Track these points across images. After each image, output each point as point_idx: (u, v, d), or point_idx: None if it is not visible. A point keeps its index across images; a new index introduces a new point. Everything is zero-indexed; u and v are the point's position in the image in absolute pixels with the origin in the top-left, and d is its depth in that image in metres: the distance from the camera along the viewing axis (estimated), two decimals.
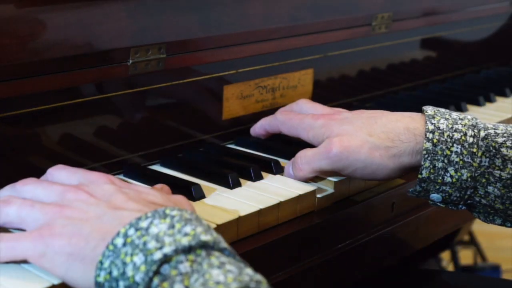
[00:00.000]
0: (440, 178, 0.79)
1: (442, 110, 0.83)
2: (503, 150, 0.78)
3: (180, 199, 0.69)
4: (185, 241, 0.57)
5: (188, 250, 0.57)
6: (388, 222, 0.93)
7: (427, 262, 1.70)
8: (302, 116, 0.90)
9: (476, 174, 0.78)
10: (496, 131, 0.80)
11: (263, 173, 0.88)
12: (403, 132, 0.81)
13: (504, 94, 1.33)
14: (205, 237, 0.58)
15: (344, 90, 1.18)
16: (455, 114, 0.82)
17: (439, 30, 1.33)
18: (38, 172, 0.80)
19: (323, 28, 1.07)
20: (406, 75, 1.31)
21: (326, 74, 1.13)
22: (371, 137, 0.81)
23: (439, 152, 0.78)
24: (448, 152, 0.78)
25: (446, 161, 0.78)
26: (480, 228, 2.21)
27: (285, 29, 1.01)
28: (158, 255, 0.57)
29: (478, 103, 1.25)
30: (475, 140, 0.78)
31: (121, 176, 0.87)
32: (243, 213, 0.77)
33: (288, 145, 0.95)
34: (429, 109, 0.82)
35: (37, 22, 0.76)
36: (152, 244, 0.57)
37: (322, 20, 1.06)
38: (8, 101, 0.75)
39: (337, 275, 0.87)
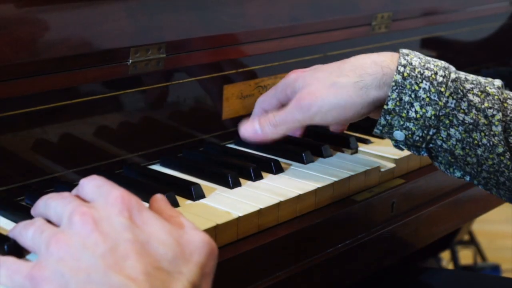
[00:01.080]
0: (405, 112, 0.80)
1: (418, 52, 0.84)
2: (470, 95, 0.79)
3: (193, 245, 0.60)
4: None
5: None
6: (388, 222, 0.93)
7: (427, 261, 1.70)
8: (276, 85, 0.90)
9: (440, 114, 0.79)
10: (467, 77, 0.81)
11: (263, 173, 0.88)
12: (370, 66, 0.82)
13: None
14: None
15: None
16: (429, 58, 0.83)
17: (439, 30, 1.33)
18: (38, 172, 0.81)
19: (323, 28, 1.07)
20: None
21: None
22: (339, 78, 0.83)
23: (408, 86, 0.79)
24: (416, 88, 0.79)
25: (413, 95, 0.79)
26: (480, 227, 2.22)
27: (285, 29, 1.01)
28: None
29: None
30: (445, 80, 0.80)
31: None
32: (243, 213, 0.77)
33: (288, 145, 0.95)
34: (405, 50, 0.83)
35: (37, 22, 0.76)
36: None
37: (322, 20, 1.06)
38: (7, 101, 0.75)
39: (337, 274, 0.87)
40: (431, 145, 0.81)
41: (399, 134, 0.81)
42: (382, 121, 0.81)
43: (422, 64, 0.81)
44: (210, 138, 0.98)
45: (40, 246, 0.60)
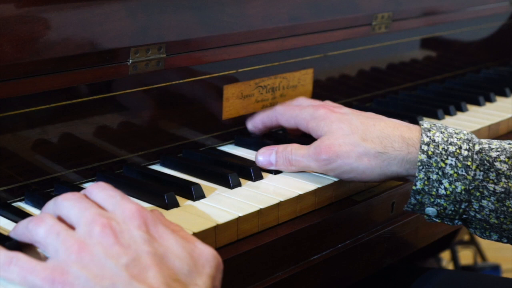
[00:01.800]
0: (434, 190, 0.79)
1: (438, 124, 0.84)
2: (497, 164, 0.79)
3: (205, 258, 0.62)
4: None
5: None
6: (388, 222, 0.93)
7: (427, 261, 1.70)
8: (302, 107, 0.92)
9: (470, 187, 0.79)
10: (490, 145, 0.81)
11: (263, 173, 0.88)
12: (397, 140, 0.82)
13: (504, 94, 1.33)
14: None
15: (344, 90, 1.18)
16: (450, 129, 0.83)
17: (439, 30, 1.33)
18: (38, 172, 0.81)
19: (323, 28, 1.07)
20: (406, 75, 1.31)
21: (326, 74, 1.13)
22: (364, 142, 0.83)
23: (434, 164, 0.79)
24: (443, 165, 0.79)
25: (440, 173, 0.79)
26: None
27: (285, 29, 1.01)
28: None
29: (478, 103, 1.25)
30: (470, 154, 0.79)
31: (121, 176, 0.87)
32: (243, 213, 0.77)
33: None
34: (425, 123, 0.83)
35: (37, 22, 0.76)
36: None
37: (322, 20, 1.06)
38: (8, 101, 0.76)
39: (337, 274, 0.87)
40: (464, 216, 0.81)
41: (431, 211, 0.82)
42: (413, 201, 0.82)
43: (445, 139, 0.80)
44: (210, 138, 0.98)
45: (58, 248, 0.60)
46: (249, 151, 0.97)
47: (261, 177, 0.87)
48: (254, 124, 0.98)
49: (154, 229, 0.62)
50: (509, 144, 0.82)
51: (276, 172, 0.89)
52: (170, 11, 0.88)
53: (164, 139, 0.92)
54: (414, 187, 0.80)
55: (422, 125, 0.83)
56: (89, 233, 0.61)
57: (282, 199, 0.80)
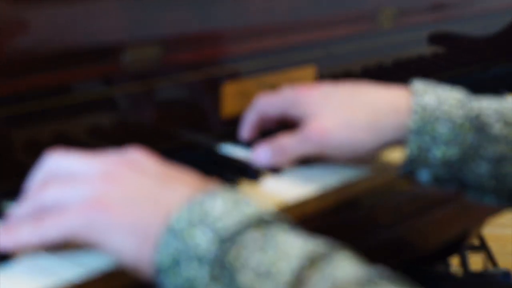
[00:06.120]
0: (428, 155, 0.81)
1: (431, 85, 0.85)
2: (492, 128, 0.80)
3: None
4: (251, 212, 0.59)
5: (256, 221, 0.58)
6: (395, 225, 0.93)
7: (435, 266, 1.70)
8: (280, 92, 0.92)
9: (465, 151, 0.80)
10: (487, 111, 0.82)
11: (263, 173, 0.88)
12: (387, 107, 0.83)
13: None
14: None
15: None
16: (444, 90, 0.84)
17: (448, 25, 1.34)
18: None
19: (326, 23, 1.07)
20: (413, 72, 1.31)
21: (329, 71, 1.14)
22: (353, 115, 0.84)
23: (427, 128, 0.80)
24: (436, 129, 0.80)
25: (433, 137, 0.80)
26: (491, 232, 2.22)
27: (287, 25, 1.02)
28: (227, 226, 0.57)
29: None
30: (465, 118, 0.81)
31: None
32: None
33: None
34: (417, 84, 0.84)
35: (28, 19, 0.76)
36: (218, 218, 0.58)
37: (325, 15, 1.07)
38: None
39: None
40: (459, 179, 0.82)
41: (426, 175, 0.83)
42: (406, 168, 0.83)
43: (438, 102, 0.82)
44: (209, 137, 0.98)
45: (77, 191, 0.61)
46: (250, 151, 0.97)
47: (261, 177, 0.87)
48: (245, 131, 0.98)
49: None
50: (501, 105, 0.83)
51: (275, 170, 0.89)
52: (167, 7, 0.88)
53: (161, 138, 0.93)
54: (406, 154, 0.82)
55: (414, 87, 0.84)
56: (109, 171, 0.63)
57: (284, 202, 0.81)
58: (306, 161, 0.90)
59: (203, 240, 0.57)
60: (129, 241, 0.59)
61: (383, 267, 0.58)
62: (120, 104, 0.88)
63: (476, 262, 2.09)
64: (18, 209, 0.66)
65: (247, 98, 1.01)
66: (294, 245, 0.57)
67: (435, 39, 1.33)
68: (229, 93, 0.99)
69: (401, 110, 0.83)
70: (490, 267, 2.09)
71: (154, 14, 0.87)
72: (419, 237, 0.98)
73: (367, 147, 0.84)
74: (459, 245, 1.77)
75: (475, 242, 2.06)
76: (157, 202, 0.60)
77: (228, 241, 0.57)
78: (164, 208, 0.60)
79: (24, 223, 0.62)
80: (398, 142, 0.84)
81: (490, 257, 2.09)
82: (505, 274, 2.03)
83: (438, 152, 0.81)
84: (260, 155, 0.88)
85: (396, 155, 0.97)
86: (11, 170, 0.79)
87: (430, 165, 0.82)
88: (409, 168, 0.83)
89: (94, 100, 0.85)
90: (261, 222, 0.58)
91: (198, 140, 0.97)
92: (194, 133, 0.97)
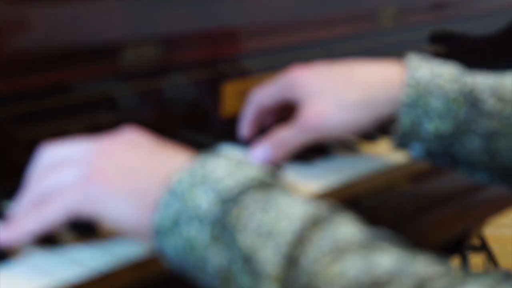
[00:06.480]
0: (420, 128, 0.81)
1: (426, 60, 0.85)
2: (486, 104, 0.81)
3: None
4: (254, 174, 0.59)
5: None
6: (393, 225, 0.93)
7: None
8: (274, 80, 0.91)
9: (457, 126, 0.81)
10: (481, 86, 0.82)
11: None
12: (380, 82, 0.84)
13: None
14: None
15: None
16: (438, 65, 0.84)
17: (450, 25, 1.34)
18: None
19: (326, 23, 1.07)
20: None
21: None
22: (345, 95, 0.84)
23: (420, 102, 0.81)
24: (429, 103, 0.81)
25: (426, 111, 0.81)
26: (492, 232, 2.22)
27: (287, 24, 1.02)
28: (229, 187, 0.57)
29: None
30: (458, 92, 0.81)
31: None
32: None
33: None
34: (412, 59, 0.85)
35: (27, 18, 0.76)
36: (220, 180, 0.58)
37: (326, 14, 1.07)
38: None
39: None
40: (451, 154, 0.82)
41: (418, 148, 0.83)
42: (399, 141, 0.83)
43: (432, 76, 0.82)
44: (209, 137, 0.98)
45: (80, 171, 0.62)
46: (249, 150, 0.97)
47: None
48: (244, 127, 0.97)
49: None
50: (496, 81, 0.83)
51: (275, 166, 0.89)
52: (166, 6, 0.88)
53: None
54: (398, 126, 0.82)
55: (408, 61, 0.84)
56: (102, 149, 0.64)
57: None
58: (308, 157, 0.90)
59: (204, 201, 0.57)
60: (128, 208, 0.60)
61: (384, 229, 0.58)
62: (120, 104, 0.88)
63: (477, 262, 2.09)
64: (19, 205, 0.67)
65: (247, 98, 1.01)
66: (296, 207, 0.57)
67: (436, 38, 1.33)
68: (229, 93, 0.99)
69: (394, 84, 0.83)
70: (491, 268, 2.09)
71: (154, 13, 0.87)
72: (419, 237, 0.98)
73: (363, 124, 0.85)
74: (459, 246, 1.77)
75: (476, 242, 2.06)
76: (154, 170, 0.61)
77: (230, 202, 0.57)
78: (162, 175, 0.60)
79: (26, 214, 0.63)
80: (392, 115, 0.84)
81: (491, 257, 2.09)
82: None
83: (430, 126, 0.81)
84: (260, 152, 0.88)
85: (396, 155, 0.97)
86: (11, 170, 0.80)
87: (422, 139, 0.82)
88: (401, 142, 0.84)
89: (94, 100, 0.85)
90: (263, 184, 0.58)
91: (198, 140, 0.97)
92: (194, 133, 0.97)
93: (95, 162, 0.62)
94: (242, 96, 1.01)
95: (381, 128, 0.90)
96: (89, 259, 0.64)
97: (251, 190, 0.58)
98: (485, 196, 1.10)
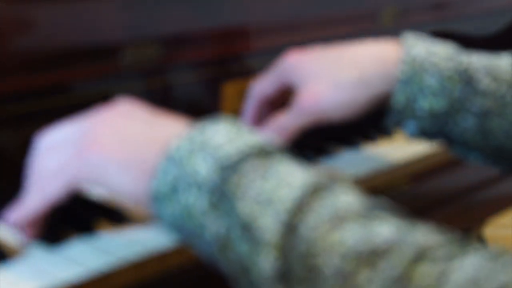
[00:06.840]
0: (415, 106, 0.81)
1: (422, 38, 0.86)
2: (480, 83, 0.81)
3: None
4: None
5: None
6: None
7: None
8: (271, 69, 0.91)
9: (452, 104, 0.81)
10: (476, 65, 0.82)
11: None
12: (375, 60, 0.84)
13: None
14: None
15: None
16: (434, 44, 0.85)
17: (451, 24, 1.34)
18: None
19: (327, 23, 1.08)
20: None
21: None
22: (341, 75, 0.84)
23: (414, 79, 0.81)
24: (424, 80, 0.81)
25: (421, 88, 0.81)
26: (492, 232, 2.22)
27: (287, 24, 1.02)
28: (228, 154, 0.57)
29: None
30: (453, 71, 0.81)
31: None
32: None
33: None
34: (408, 37, 0.85)
35: (26, 18, 0.77)
36: (220, 146, 0.58)
37: (326, 14, 1.07)
38: None
39: None
40: (445, 133, 0.82)
41: (412, 126, 0.83)
42: (393, 118, 0.83)
43: (428, 54, 0.82)
44: None
45: (78, 140, 0.63)
46: None
47: None
48: (246, 122, 0.96)
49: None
50: (491, 61, 0.84)
51: None
52: (166, 5, 0.89)
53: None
54: (393, 103, 0.82)
55: (404, 39, 0.85)
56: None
57: None
58: (308, 156, 0.90)
59: (203, 168, 0.57)
60: (126, 175, 0.60)
61: (384, 199, 0.58)
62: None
63: None
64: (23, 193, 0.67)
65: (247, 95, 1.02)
66: (296, 175, 0.56)
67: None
68: (229, 92, 0.99)
69: (390, 61, 0.83)
70: None
71: (154, 13, 0.87)
72: None
73: (360, 102, 0.84)
74: None
75: (476, 242, 2.06)
76: (152, 138, 0.61)
77: (229, 168, 0.56)
78: (160, 142, 0.60)
79: (30, 194, 0.64)
80: (388, 93, 0.84)
81: None
82: None
83: (425, 103, 0.81)
84: None
85: (396, 155, 0.97)
86: (10, 170, 0.80)
87: (416, 117, 0.82)
88: (396, 119, 0.83)
89: (94, 100, 0.85)
90: (263, 152, 0.58)
91: None
92: None
93: (91, 132, 0.62)
94: (242, 96, 1.01)
95: (381, 128, 0.90)
96: (89, 259, 0.65)
97: (250, 157, 0.57)
98: (485, 196, 1.10)
